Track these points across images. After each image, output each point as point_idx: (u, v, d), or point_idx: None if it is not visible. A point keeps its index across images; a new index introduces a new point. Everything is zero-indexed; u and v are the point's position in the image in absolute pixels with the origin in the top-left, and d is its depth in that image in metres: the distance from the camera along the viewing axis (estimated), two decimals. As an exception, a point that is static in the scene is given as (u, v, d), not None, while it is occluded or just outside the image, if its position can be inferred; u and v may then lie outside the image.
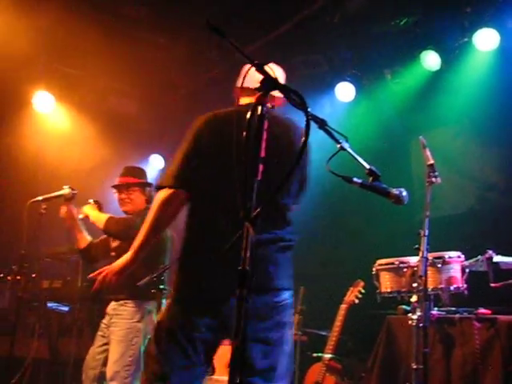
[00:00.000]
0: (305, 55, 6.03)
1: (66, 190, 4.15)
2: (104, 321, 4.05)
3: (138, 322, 3.87)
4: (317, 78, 6.16)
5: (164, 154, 7.52)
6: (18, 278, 4.15)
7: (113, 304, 4.03)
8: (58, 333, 6.16)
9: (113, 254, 4.10)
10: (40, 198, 4.10)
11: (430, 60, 5.61)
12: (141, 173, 4.31)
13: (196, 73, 6.74)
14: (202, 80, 6.77)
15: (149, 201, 4.23)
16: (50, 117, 6.75)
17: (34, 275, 5.67)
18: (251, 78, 2.62)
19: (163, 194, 2.47)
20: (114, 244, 4.13)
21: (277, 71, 2.77)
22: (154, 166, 7.52)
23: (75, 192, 4.17)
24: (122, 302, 3.94)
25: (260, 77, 2.45)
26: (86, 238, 4.22)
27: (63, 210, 4.11)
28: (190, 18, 5.79)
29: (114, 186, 4.22)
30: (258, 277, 2.36)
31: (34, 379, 5.49)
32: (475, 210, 5.67)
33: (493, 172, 5.66)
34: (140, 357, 3.85)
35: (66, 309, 5.73)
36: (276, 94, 2.56)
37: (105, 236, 4.21)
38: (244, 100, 2.72)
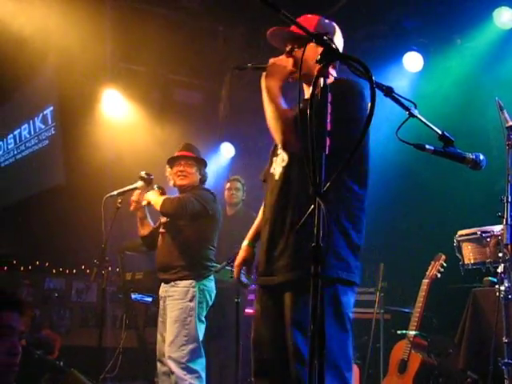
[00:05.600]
0: (368, 27, 5.85)
1: (139, 183, 4.23)
2: (160, 305, 4.09)
3: (190, 301, 3.87)
4: (382, 50, 5.97)
5: (234, 141, 7.54)
6: (102, 271, 4.27)
7: (163, 286, 4.06)
8: (144, 323, 6.35)
9: (162, 230, 4.13)
10: (115, 192, 4.19)
11: (504, 17, 5.30)
12: (198, 150, 4.28)
13: (259, 58, 6.70)
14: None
15: (202, 180, 4.23)
16: (119, 114, 6.93)
17: (118, 269, 5.90)
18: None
19: None
20: (163, 219, 4.15)
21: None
22: (225, 154, 7.58)
23: (152, 177, 4.23)
24: (172, 283, 3.95)
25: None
26: (149, 225, 4.28)
27: (136, 193, 4.20)
28: (246, 2, 5.75)
29: (172, 159, 4.20)
30: None
31: (125, 367, 5.70)
32: None
33: None
34: (197, 336, 3.86)
35: (149, 299, 5.88)
36: None
37: (160, 221, 4.24)
38: None
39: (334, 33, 2.53)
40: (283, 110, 2.35)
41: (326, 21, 2.57)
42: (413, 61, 5.95)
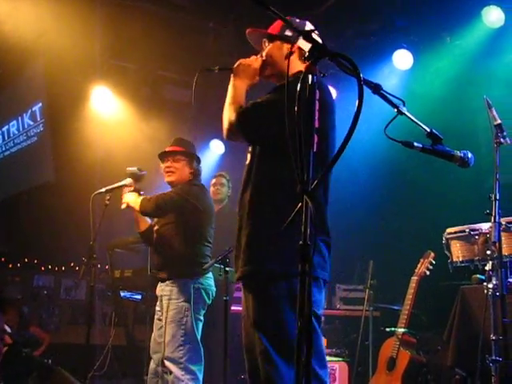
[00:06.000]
0: (358, 25, 5.85)
1: (127, 180, 4.15)
2: (157, 303, 4.01)
3: (185, 301, 3.78)
4: (372, 48, 5.97)
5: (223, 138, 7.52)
6: (90, 269, 4.22)
7: (159, 285, 3.99)
8: (133, 320, 6.34)
9: (156, 227, 4.08)
10: (103, 189, 4.11)
11: (493, 16, 5.33)
12: (189, 145, 4.18)
13: (248, 55, 6.68)
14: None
15: (194, 174, 4.09)
16: (108, 111, 6.89)
17: (107, 267, 5.89)
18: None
19: None
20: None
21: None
22: (215, 151, 7.57)
23: (143, 173, 4.14)
24: (167, 282, 3.88)
25: None
26: (146, 221, 4.19)
27: (125, 191, 4.09)
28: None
29: (161, 154, 4.10)
30: None
31: (114, 365, 5.68)
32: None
33: None
34: (194, 335, 3.79)
35: (138, 297, 5.87)
36: None
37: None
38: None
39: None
40: (237, 102, 2.43)
41: (297, 20, 2.59)
42: (403, 59, 5.97)
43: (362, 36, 5.90)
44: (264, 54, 2.59)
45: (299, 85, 1.78)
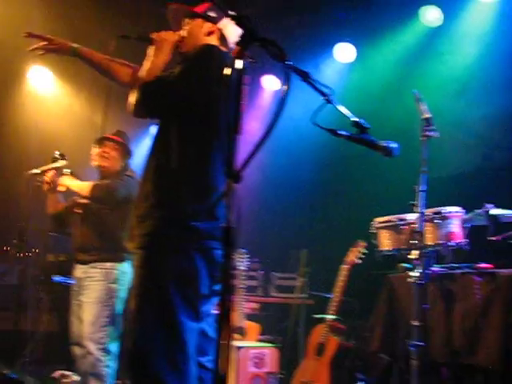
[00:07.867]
0: (300, 15, 5.90)
1: (63, 162, 4.12)
2: (75, 287, 4.03)
3: (113, 283, 3.86)
4: (314, 40, 6.04)
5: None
6: (20, 252, 4.14)
7: (81, 267, 3.99)
8: (66, 306, 6.22)
9: (79, 211, 4.06)
10: (38, 170, 4.07)
11: (431, 15, 5.50)
12: (129, 141, 4.23)
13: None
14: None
15: (123, 169, 4.13)
16: (46, 91, 6.74)
17: (37, 250, 5.74)
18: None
19: None
20: (82, 201, 4.05)
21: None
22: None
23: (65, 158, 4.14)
24: (92, 264, 3.91)
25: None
26: (61, 203, 4.19)
27: (51, 173, 4.07)
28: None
29: (101, 139, 4.10)
30: None
31: (46, 351, 5.57)
32: (480, 168, 5.59)
33: (499, 130, 5.55)
34: (116, 318, 3.88)
35: (73, 282, 5.76)
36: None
37: (71, 200, 4.18)
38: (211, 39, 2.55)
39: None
40: (151, 76, 2.37)
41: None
42: (343, 52, 6.09)
43: (304, 26, 5.95)
44: (185, 30, 2.56)
45: (229, 70, 1.80)
